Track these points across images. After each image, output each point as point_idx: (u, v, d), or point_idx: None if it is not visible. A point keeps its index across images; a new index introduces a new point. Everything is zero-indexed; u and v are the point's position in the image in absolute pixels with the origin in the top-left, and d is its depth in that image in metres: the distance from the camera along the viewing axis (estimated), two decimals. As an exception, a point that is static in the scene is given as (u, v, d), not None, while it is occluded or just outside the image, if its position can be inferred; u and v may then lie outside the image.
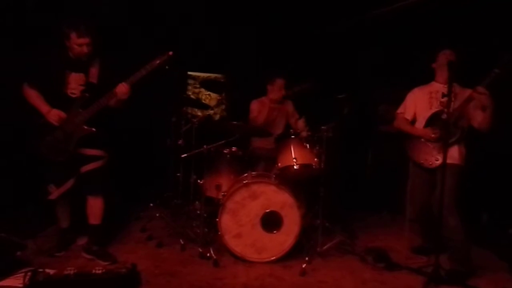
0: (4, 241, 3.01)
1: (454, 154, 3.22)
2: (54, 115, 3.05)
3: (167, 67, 3.13)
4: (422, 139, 3.32)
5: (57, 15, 3.40)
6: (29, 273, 2.62)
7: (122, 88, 3.06)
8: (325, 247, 3.52)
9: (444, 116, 3.04)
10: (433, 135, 3.24)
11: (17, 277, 2.77)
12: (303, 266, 3.23)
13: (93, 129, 3.12)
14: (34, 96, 3.12)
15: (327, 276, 3.17)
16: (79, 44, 3.04)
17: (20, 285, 2.63)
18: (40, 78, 3.12)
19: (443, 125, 3.07)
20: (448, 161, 3.13)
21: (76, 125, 3.09)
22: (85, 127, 3.11)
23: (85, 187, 3.25)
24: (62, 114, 3.07)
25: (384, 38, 5.06)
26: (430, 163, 3.25)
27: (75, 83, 3.14)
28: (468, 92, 3.18)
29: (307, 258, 3.33)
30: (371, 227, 4.50)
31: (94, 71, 3.17)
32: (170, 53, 3.10)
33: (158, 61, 3.08)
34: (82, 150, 3.17)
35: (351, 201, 4.98)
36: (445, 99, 3.00)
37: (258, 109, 4.24)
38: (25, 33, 3.98)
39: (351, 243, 3.80)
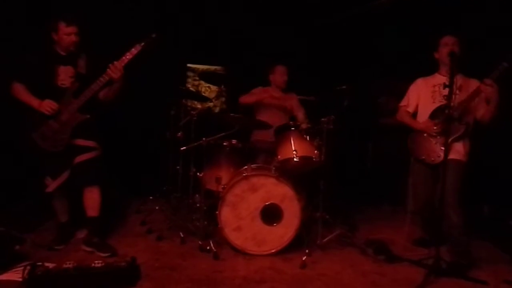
0: (3, 235, 3.01)
1: (459, 149, 3.18)
2: (46, 105, 3.05)
3: (151, 49, 3.10)
4: (425, 134, 3.28)
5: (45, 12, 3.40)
6: (28, 267, 2.61)
7: (113, 68, 3.04)
8: (325, 239, 3.51)
9: (447, 111, 3.00)
10: (435, 128, 3.20)
11: (16, 271, 2.77)
12: (303, 258, 3.22)
13: (88, 115, 3.14)
14: (23, 92, 3.13)
15: (327, 269, 3.16)
16: (68, 33, 3.08)
17: (19, 279, 2.62)
18: (30, 74, 3.13)
19: (447, 119, 3.03)
20: (453, 156, 3.10)
21: (70, 113, 3.09)
22: (79, 114, 3.11)
23: (80, 178, 3.23)
24: (54, 104, 3.06)
25: (384, 29, 5.02)
26: (432, 159, 3.20)
27: (64, 75, 3.15)
28: (473, 82, 3.14)
29: (307, 251, 3.32)
30: (371, 219, 4.49)
31: (82, 62, 3.19)
32: (154, 35, 3.10)
33: (142, 44, 3.07)
34: (75, 141, 3.17)
35: (351, 194, 4.97)
36: (446, 90, 2.96)
37: (256, 92, 4.25)
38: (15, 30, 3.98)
39: (351, 236, 3.79)
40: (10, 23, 4.01)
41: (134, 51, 3.07)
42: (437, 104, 3.24)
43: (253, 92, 4.28)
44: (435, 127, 3.20)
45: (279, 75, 4.22)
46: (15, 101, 3.15)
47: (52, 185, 3.19)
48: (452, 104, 3.00)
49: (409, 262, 3.26)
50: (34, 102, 3.08)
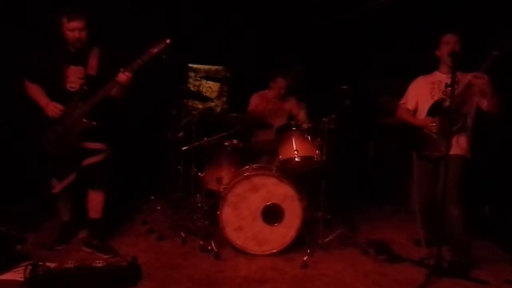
0: (4, 235, 3.00)
1: (460, 144, 3.17)
2: (52, 108, 3.02)
3: (164, 56, 3.04)
4: (425, 130, 3.28)
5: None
6: (29, 267, 2.61)
7: (124, 76, 2.99)
8: (326, 239, 3.51)
9: (446, 104, 3.00)
10: (433, 124, 3.20)
11: (17, 270, 2.77)
12: (305, 258, 3.22)
13: (93, 122, 3.09)
14: (35, 90, 3.10)
15: (329, 269, 3.16)
16: (70, 29, 2.98)
17: (21, 279, 2.62)
18: (40, 72, 3.09)
19: (446, 113, 3.02)
20: (454, 151, 3.10)
21: (75, 118, 3.06)
22: (85, 120, 3.07)
23: (86, 181, 3.21)
24: (60, 107, 3.03)
25: (385, 29, 5.01)
26: (436, 153, 3.18)
27: (74, 77, 3.09)
28: (469, 76, 3.14)
29: (308, 251, 3.32)
30: (372, 219, 4.49)
31: (93, 62, 3.12)
32: (168, 41, 3.01)
33: (155, 50, 3.00)
34: (83, 143, 3.14)
35: (352, 193, 4.97)
36: (448, 89, 2.96)
37: (257, 103, 4.31)
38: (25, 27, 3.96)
39: (353, 236, 3.79)
40: (21, 20, 4.01)
41: (145, 57, 3.00)
42: (435, 100, 3.25)
43: (252, 103, 4.35)
44: (433, 124, 3.20)
45: (278, 87, 4.28)
46: (22, 101, 3.13)
47: (58, 186, 3.17)
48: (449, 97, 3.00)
49: (410, 262, 3.26)
50: (42, 101, 3.05)
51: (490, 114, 3.11)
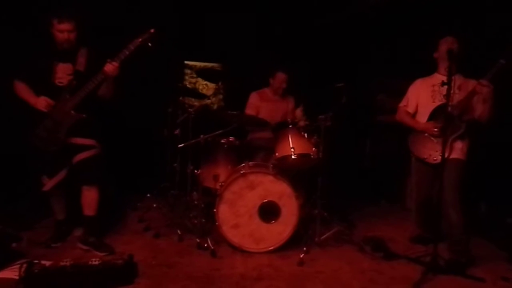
0: (-1, 233, 3.00)
1: (459, 148, 3.18)
2: (42, 102, 3.02)
3: (150, 44, 3.06)
4: (426, 134, 3.27)
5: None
6: (24, 265, 2.59)
7: (110, 66, 2.99)
8: (323, 237, 3.51)
9: (449, 108, 2.99)
10: (435, 130, 3.19)
11: (12, 268, 2.76)
12: (301, 256, 3.22)
13: (83, 115, 3.10)
14: (23, 90, 3.11)
15: (325, 266, 3.16)
16: (60, 30, 3.02)
17: (16, 277, 2.60)
18: (28, 70, 3.11)
19: (447, 118, 3.02)
20: (453, 155, 3.11)
21: (64, 112, 3.06)
22: (73, 113, 3.07)
23: (79, 177, 3.21)
24: (50, 101, 3.04)
25: (383, 28, 5.01)
26: (434, 158, 3.19)
27: (62, 73, 3.11)
28: (471, 83, 3.13)
29: (305, 248, 3.32)
30: (369, 216, 4.49)
31: (81, 60, 3.14)
32: (152, 30, 3.05)
33: (140, 39, 3.03)
34: (73, 139, 3.14)
35: (349, 191, 4.97)
36: (445, 88, 2.96)
37: (256, 103, 4.27)
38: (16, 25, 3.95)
39: (349, 233, 3.79)
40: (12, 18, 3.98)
41: (131, 47, 3.03)
42: (437, 103, 3.23)
43: (251, 103, 4.32)
44: (435, 129, 3.19)
45: (278, 82, 4.24)
46: (16, 100, 3.12)
47: (48, 184, 3.16)
48: (451, 103, 3.00)
49: (407, 260, 3.26)
50: (31, 99, 3.07)
51: (479, 121, 3.13)
